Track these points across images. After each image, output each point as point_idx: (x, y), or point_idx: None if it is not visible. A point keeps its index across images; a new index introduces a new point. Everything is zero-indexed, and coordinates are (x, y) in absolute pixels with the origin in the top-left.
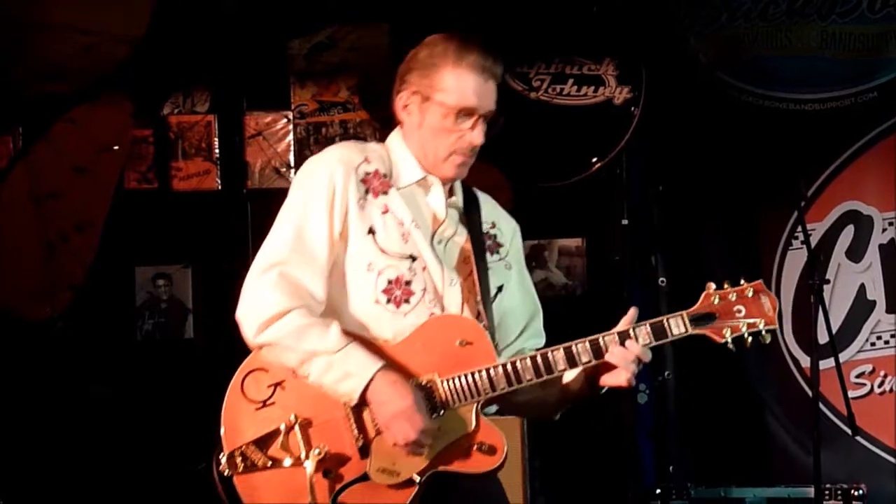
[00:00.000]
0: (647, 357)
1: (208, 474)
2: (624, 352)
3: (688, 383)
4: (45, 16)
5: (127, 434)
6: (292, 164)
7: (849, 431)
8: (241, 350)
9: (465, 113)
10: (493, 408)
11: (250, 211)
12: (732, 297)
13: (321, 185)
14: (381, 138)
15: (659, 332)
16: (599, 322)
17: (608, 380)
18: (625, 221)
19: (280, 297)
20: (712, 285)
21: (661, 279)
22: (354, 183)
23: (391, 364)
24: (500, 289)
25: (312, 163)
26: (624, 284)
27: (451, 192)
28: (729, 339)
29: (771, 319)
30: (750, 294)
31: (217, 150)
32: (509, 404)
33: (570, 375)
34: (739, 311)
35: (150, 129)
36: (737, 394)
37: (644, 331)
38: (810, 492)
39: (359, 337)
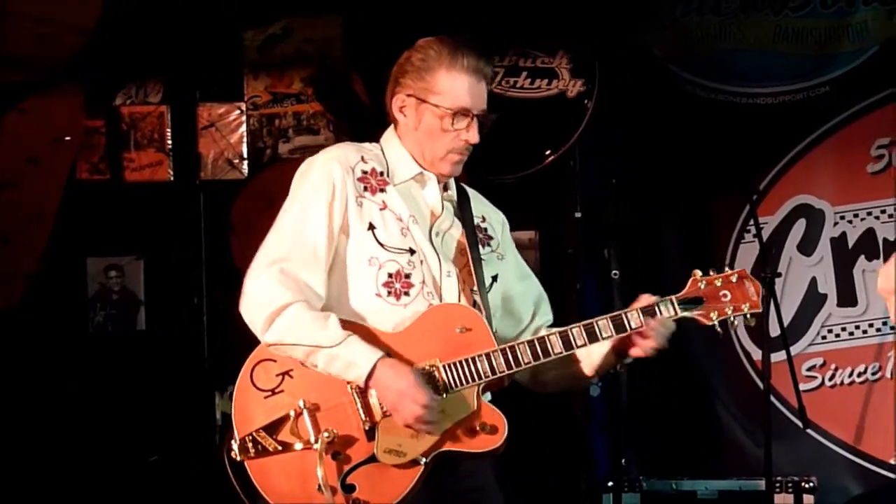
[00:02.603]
0: (671, 328)
1: (160, 466)
2: (657, 328)
3: (640, 376)
4: None
5: (80, 425)
6: (245, 155)
7: (800, 424)
8: (192, 342)
9: (461, 114)
10: (487, 395)
11: (203, 202)
12: (718, 282)
13: (320, 185)
14: (335, 130)
15: (650, 315)
16: (553, 313)
17: (636, 351)
18: (578, 214)
19: (282, 291)
20: (698, 272)
21: (614, 272)
22: (352, 182)
23: (394, 352)
24: (494, 279)
25: (311, 163)
26: (577, 277)
27: (445, 188)
28: (716, 322)
29: (755, 304)
30: (735, 280)
31: (170, 141)
32: (536, 383)
33: (590, 360)
34: (725, 296)
35: (103, 119)
36: (689, 387)
37: (635, 315)
38: (761, 484)
39: (360, 328)
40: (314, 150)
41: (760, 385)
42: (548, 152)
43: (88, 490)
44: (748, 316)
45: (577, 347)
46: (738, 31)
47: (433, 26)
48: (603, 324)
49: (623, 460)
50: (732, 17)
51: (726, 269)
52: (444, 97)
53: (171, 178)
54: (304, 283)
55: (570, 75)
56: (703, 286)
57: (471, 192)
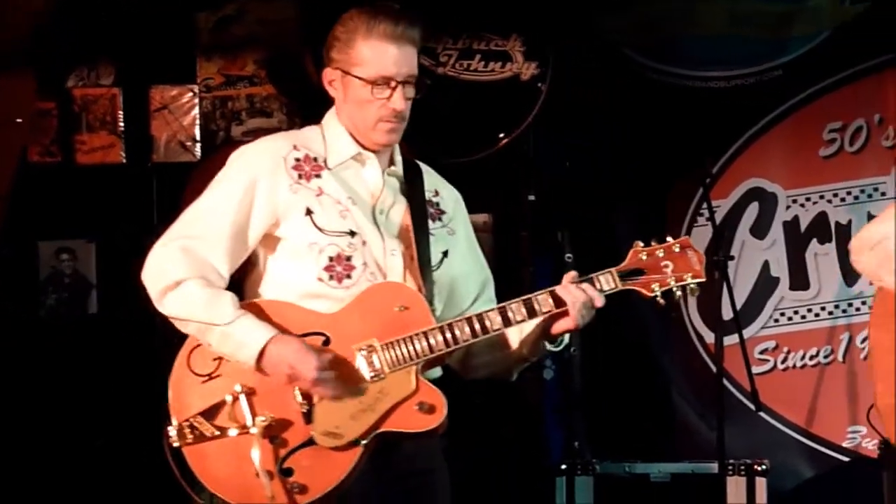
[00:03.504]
0: (600, 302)
1: (105, 450)
2: (580, 296)
3: (593, 359)
4: None
5: (30, 409)
6: (198, 137)
7: (752, 407)
8: (144, 325)
9: (382, 82)
10: (438, 371)
11: (155, 185)
12: (660, 253)
13: (241, 173)
14: (289, 113)
15: (591, 285)
16: (506, 295)
17: (559, 326)
18: (531, 197)
19: (179, 266)
20: (640, 243)
21: (567, 255)
22: (284, 171)
23: (332, 333)
24: (445, 254)
25: (240, 152)
26: (530, 260)
27: (390, 163)
28: (658, 293)
29: (698, 273)
30: (677, 250)
31: (122, 124)
32: (466, 367)
33: (518, 334)
34: (667, 266)
35: (54, 101)
36: (642, 370)
37: (577, 286)
38: (714, 467)
39: (298, 310)
40: (267, 132)
41: (713, 368)
42: (501, 135)
43: (35, 473)
44: (692, 286)
45: (517, 323)
46: (693, 15)
47: (390, 4)
48: (542, 298)
49: (576, 443)
50: (684, 2)
51: (670, 240)
52: (363, 67)
53: (124, 161)
54: (206, 261)
55: (524, 58)
56: (644, 257)
57: (424, 167)
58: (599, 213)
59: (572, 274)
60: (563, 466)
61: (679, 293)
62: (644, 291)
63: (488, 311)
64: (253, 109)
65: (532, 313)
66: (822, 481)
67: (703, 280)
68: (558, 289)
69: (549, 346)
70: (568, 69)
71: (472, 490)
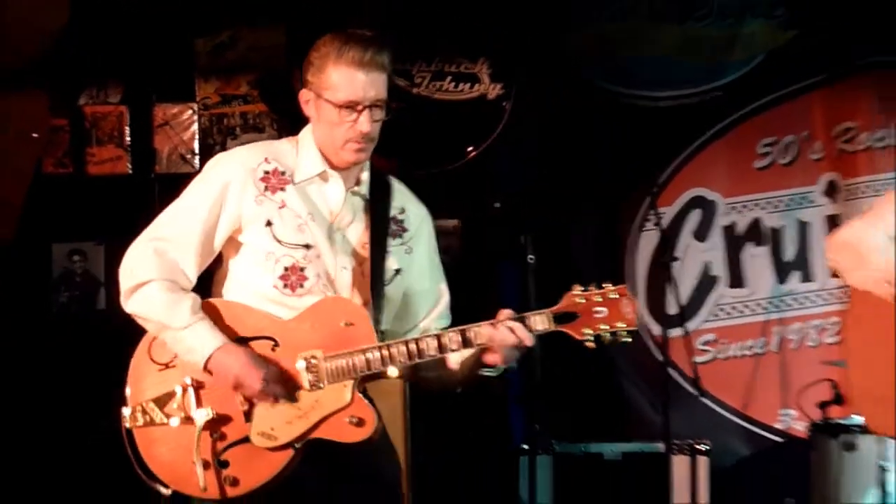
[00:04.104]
0: (529, 342)
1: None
2: (508, 338)
3: (552, 352)
4: None
5: (43, 397)
6: (196, 151)
7: (695, 393)
8: None
9: (350, 106)
10: (396, 371)
11: (158, 193)
12: (597, 298)
13: (214, 181)
14: (279, 128)
15: (524, 326)
16: (473, 296)
17: (490, 359)
18: (497, 205)
19: (149, 267)
20: (578, 287)
21: (529, 257)
22: (252, 182)
23: (281, 339)
24: (398, 271)
25: (215, 161)
26: (495, 262)
27: (356, 182)
28: (590, 338)
29: (630, 322)
30: (613, 297)
31: (128, 138)
32: (416, 380)
33: (456, 358)
34: (599, 313)
35: (67, 118)
36: (596, 360)
37: (511, 326)
38: (661, 447)
39: (256, 313)
40: None
41: (660, 358)
42: (470, 148)
43: (47, 466)
44: (623, 334)
45: (451, 352)
46: (646, 39)
47: (362, 31)
48: (475, 331)
49: (537, 426)
50: (641, 26)
51: (607, 286)
52: (333, 91)
53: (130, 172)
54: (175, 264)
55: (490, 80)
56: (579, 301)
57: (397, 185)
58: (559, 219)
59: (507, 312)
60: (526, 447)
61: (611, 339)
62: (574, 335)
63: (426, 336)
64: (246, 125)
65: (466, 343)
66: (757, 459)
67: (635, 329)
68: (498, 324)
69: (485, 372)
70: (530, 89)
71: (445, 470)
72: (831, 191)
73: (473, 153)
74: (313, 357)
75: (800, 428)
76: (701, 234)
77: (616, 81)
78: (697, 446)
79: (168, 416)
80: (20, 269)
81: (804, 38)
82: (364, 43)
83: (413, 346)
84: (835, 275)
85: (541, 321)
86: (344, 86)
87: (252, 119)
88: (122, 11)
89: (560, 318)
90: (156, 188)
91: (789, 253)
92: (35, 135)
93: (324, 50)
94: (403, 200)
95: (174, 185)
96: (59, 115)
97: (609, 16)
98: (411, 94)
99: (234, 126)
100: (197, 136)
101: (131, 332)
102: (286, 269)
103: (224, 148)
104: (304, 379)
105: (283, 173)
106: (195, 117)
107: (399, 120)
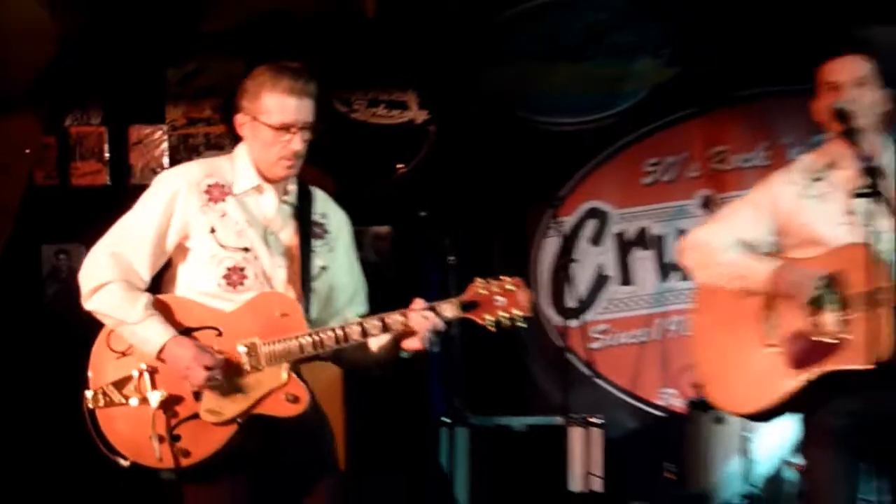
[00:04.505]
0: (441, 327)
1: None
2: (424, 323)
3: (470, 337)
4: None
5: (36, 377)
6: (166, 165)
7: (589, 374)
8: None
9: (284, 128)
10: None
11: (132, 202)
12: (495, 289)
13: (161, 194)
14: (237, 146)
15: (436, 313)
16: (402, 291)
17: (407, 344)
18: (423, 213)
19: (107, 270)
20: (479, 280)
21: (450, 258)
22: (197, 195)
23: (224, 329)
24: (323, 268)
25: (164, 175)
26: (422, 262)
27: (285, 192)
28: (490, 323)
29: (524, 309)
30: (510, 288)
31: (107, 154)
32: (340, 362)
33: (377, 343)
34: (498, 302)
35: (55, 137)
36: (507, 345)
37: (423, 313)
38: (560, 420)
39: (202, 307)
40: None
41: (560, 344)
42: (400, 165)
43: (35, 449)
44: (519, 320)
45: (372, 336)
46: (549, 75)
47: (293, 63)
48: (394, 318)
49: (456, 402)
50: (545, 63)
51: (504, 278)
52: (269, 115)
53: (108, 183)
54: (130, 266)
55: (418, 107)
56: (481, 291)
57: (318, 193)
58: (476, 226)
59: (420, 301)
60: (446, 420)
61: (509, 325)
62: (477, 320)
63: (351, 323)
64: (209, 144)
65: (385, 329)
66: (642, 431)
67: (529, 315)
68: (409, 313)
69: (403, 355)
70: (453, 115)
71: (375, 440)
72: (706, 204)
73: (403, 169)
74: (253, 343)
75: (678, 404)
76: (596, 240)
77: (525, 110)
78: (591, 420)
79: (126, 397)
80: (14, 266)
81: (684, 75)
82: (295, 73)
83: (340, 332)
84: (685, 276)
85: (449, 309)
86: (278, 111)
87: (214, 139)
88: (102, 45)
89: (466, 307)
90: (130, 197)
91: (670, 256)
92: (28, 151)
93: (259, 79)
94: (324, 207)
95: None
96: (49, 135)
97: (521, 55)
98: (350, 119)
99: (199, 144)
100: (166, 153)
101: None
102: (228, 269)
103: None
104: (246, 362)
105: (223, 186)
106: (165, 137)
107: (341, 141)
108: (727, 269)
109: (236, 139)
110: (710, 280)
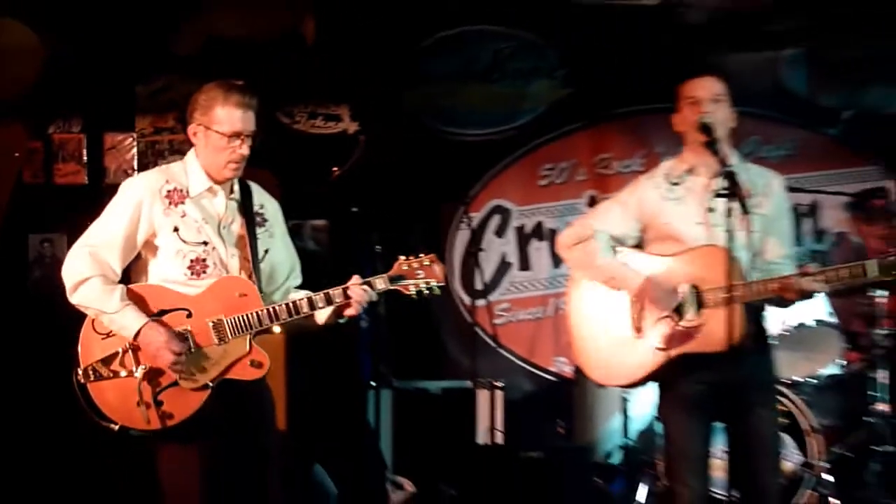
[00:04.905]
0: (374, 298)
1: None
2: (361, 295)
3: (395, 313)
4: None
5: (24, 348)
6: (136, 167)
7: (494, 345)
8: None
9: (233, 136)
10: (277, 328)
11: (106, 199)
12: (415, 265)
13: (128, 200)
14: None
15: (370, 286)
16: (337, 275)
17: (346, 312)
18: (355, 209)
19: (86, 267)
20: (402, 257)
21: (377, 247)
22: (159, 199)
23: (193, 310)
24: (266, 251)
25: (128, 182)
26: (353, 250)
27: (231, 191)
28: (413, 292)
29: (440, 279)
30: (427, 263)
31: (85, 158)
32: (290, 328)
33: (323, 314)
34: (420, 274)
35: (41, 142)
36: (426, 320)
37: (359, 286)
38: (469, 384)
39: (172, 293)
40: None
41: (469, 320)
42: (335, 169)
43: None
44: (435, 288)
45: (319, 308)
46: (460, 94)
47: (263, 87)
48: (337, 292)
49: (381, 368)
50: (459, 83)
51: (422, 255)
52: (221, 125)
53: (86, 182)
54: (105, 262)
55: (350, 119)
56: (405, 267)
57: (254, 186)
58: (399, 220)
59: (357, 278)
60: (373, 384)
61: (427, 293)
62: (403, 290)
63: (300, 299)
64: (172, 150)
65: (329, 302)
66: (538, 393)
67: (444, 284)
68: (350, 287)
69: (341, 321)
70: (381, 126)
71: (310, 402)
72: (592, 202)
73: (337, 172)
74: (219, 320)
75: (568, 370)
76: (499, 233)
77: (441, 123)
78: (495, 384)
79: (114, 372)
80: (4, 253)
81: (575, 95)
82: (242, 90)
83: (292, 306)
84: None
85: (380, 282)
86: (229, 121)
87: (177, 145)
88: (82, 64)
89: (393, 279)
90: (105, 194)
91: None
92: (17, 154)
93: (211, 94)
94: (260, 198)
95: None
96: (35, 140)
97: (437, 77)
98: (292, 129)
99: (163, 150)
100: (136, 157)
101: None
102: (192, 261)
103: (156, 165)
104: (214, 336)
105: (180, 191)
106: (134, 143)
107: (285, 148)
108: (601, 273)
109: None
110: (586, 277)
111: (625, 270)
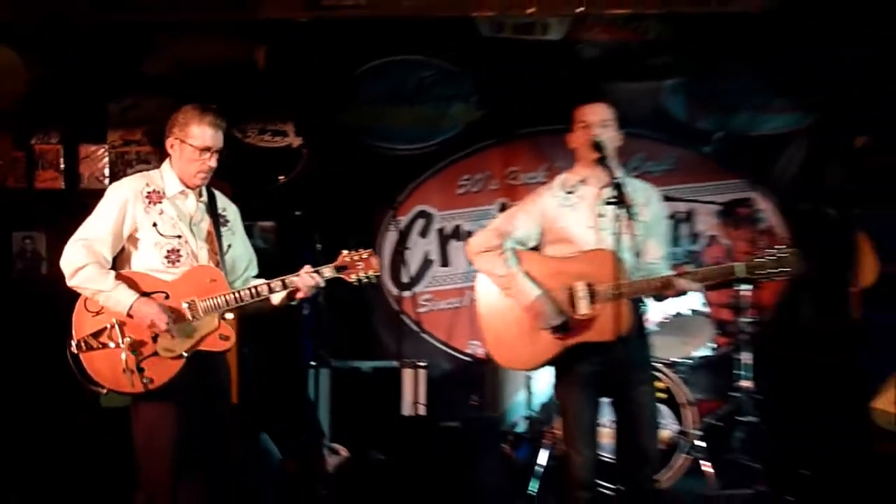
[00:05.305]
0: (322, 284)
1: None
2: (310, 281)
3: (334, 302)
4: None
5: (10, 329)
6: (107, 175)
7: (417, 330)
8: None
9: (205, 150)
10: (230, 315)
11: (81, 201)
12: (356, 257)
13: (113, 201)
14: (160, 161)
15: (318, 274)
16: (284, 270)
17: (297, 295)
18: (298, 213)
19: (82, 256)
20: (345, 251)
21: (318, 245)
22: (141, 200)
23: (170, 293)
24: (230, 246)
25: (114, 186)
26: (297, 248)
27: (200, 195)
28: (354, 280)
29: (376, 270)
30: (366, 256)
31: (62, 166)
32: (248, 311)
33: (278, 297)
34: (359, 265)
35: (23, 152)
36: (360, 309)
37: (309, 275)
38: (396, 364)
39: (152, 278)
40: None
41: (397, 309)
42: (281, 177)
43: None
44: (372, 277)
45: (275, 292)
46: (390, 115)
47: (223, 105)
48: (291, 279)
49: (321, 350)
50: (389, 105)
51: (362, 249)
52: (195, 140)
53: (63, 187)
54: (98, 253)
55: (295, 135)
56: (347, 259)
57: (218, 193)
58: (337, 222)
59: (308, 266)
60: (313, 364)
61: (366, 281)
62: (346, 278)
63: (260, 284)
64: (139, 159)
65: (284, 287)
66: (455, 372)
67: (379, 274)
68: (301, 275)
69: (293, 303)
70: (320, 141)
71: (259, 379)
72: (502, 208)
73: (283, 180)
74: (193, 301)
75: (481, 352)
76: (423, 234)
77: (373, 139)
78: (419, 364)
79: (103, 344)
80: None
81: (488, 116)
82: (214, 112)
83: (253, 290)
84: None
85: (328, 271)
86: (202, 137)
87: (143, 155)
88: (61, 84)
89: (338, 269)
90: (80, 198)
91: None
92: (1, 162)
93: (189, 114)
94: (223, 203)
95: (92, 196)
96: (18, 150)
97: (370, 99)
98: (244, 142)
99: (132, 160)
100: (107, 166)
101: (64, 290)
102: (168, 251)
103: (125, 173)
104: (188, 314)
105: (158, 192)
106: (106, 154)
107: (238, 159)
108: (502, 282)
109: (161, 156)
110: (492, 284)
111: (522, 285)
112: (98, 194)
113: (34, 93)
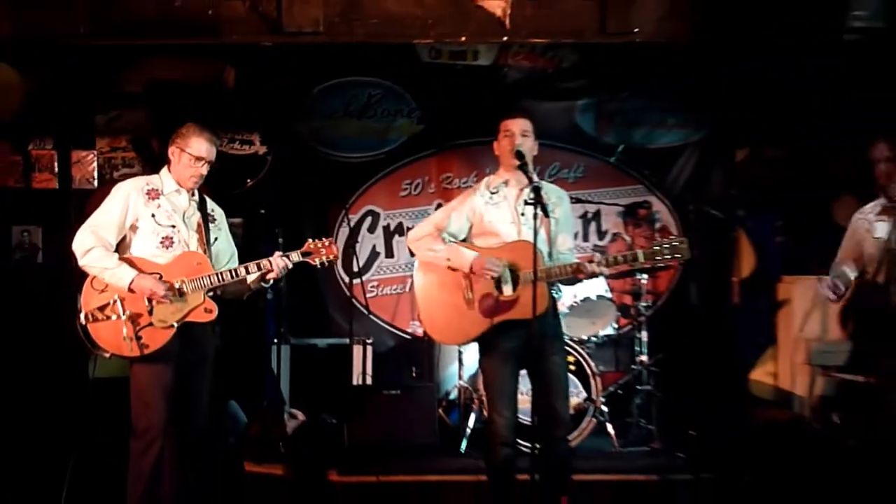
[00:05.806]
0: (290, 266)
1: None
2: (281, 263)
3: (295, 289)
4: None
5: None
6: (95, 177)
7: (366, 312)
8: (68, 271)
9: (199, 159)
10: (211, 293)
11: (72, 200)
12: (319, 245)
13: (118, 195)
14: (143, 167)
15: (287, 258)
16: (252, 259)
17: (269, 276)
18: (262, 211)
19: (90, 241)
20: (310, 239)
21: (280, 239)
22: (141, 195)
23: (164, 273)
24: (216, 239)
25: (119, 184)
26: (261, 241)
27: (192, 194)
28: (317, 263)
29: (336, 255)
30: (328, 243)
31: (57, 168)
32: (225, 293)
33: (251, 278)
34: (322, 251)
35: (21, 156)
36: (316, 294)
37: (280, 258)
38: (347, 341)
39: (148, 262)
40: (130, 176)
41: (348, 294)
42: (249, 181)
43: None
44: (333, 261)
45: (251, 273)
46: (340, 128)
47: (197, 118)
48: (264, 262)
49: (282, 329)
50: (342, 119)
51: (325, 238)
52: (192, 150)
53: (57, 188)
54: (104, 238)
55: (260, 143)
56: (311, 246)
57: (207, 197)
58: (297, 219)
59: (278, 253)
60: (275, 341)
61: (327, 264)
62: (311, 262)
63: (238, 267)
64: (124, 164)
65: (259, 269)
66: (398, 349)
67: (335, 259)
68: (273, 258)
69: (264, 285)
70: (282, 150)
71: (229, 355)
72: (438, 207)
73: (251, 183)
74: (182, 280)
75: (420, 331)
76: (371, 230)
77: (328, 148)
78: (366, 341)
79: (107, 316)
80: None
81: (427, 129)
82: (210, 130)
83: (233, 272)
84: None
85: (296, 255)
86: (199, 149)
87: (128, 160)
88: (55, 98)
89: (304, 254)
90: (71, 197)
91: None
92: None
93: (192, 129)
94: (212, 204)
95: (83, 196)
96: (17, 155)
97: (326, 113)
98: (219, 150)
99: (117, 164)
100: (96, 169)
101: (57, 276)
102: (163, 238)
103: (112, 177)
104: (178, 291)
105: (156, 190)
106: (95, 158)
107: (214, 165)
108: (441, 255)
109: (144, 161)
110: (430, 260)
111: (459, 251)
112: (87, 194)
113: (31, 105)
